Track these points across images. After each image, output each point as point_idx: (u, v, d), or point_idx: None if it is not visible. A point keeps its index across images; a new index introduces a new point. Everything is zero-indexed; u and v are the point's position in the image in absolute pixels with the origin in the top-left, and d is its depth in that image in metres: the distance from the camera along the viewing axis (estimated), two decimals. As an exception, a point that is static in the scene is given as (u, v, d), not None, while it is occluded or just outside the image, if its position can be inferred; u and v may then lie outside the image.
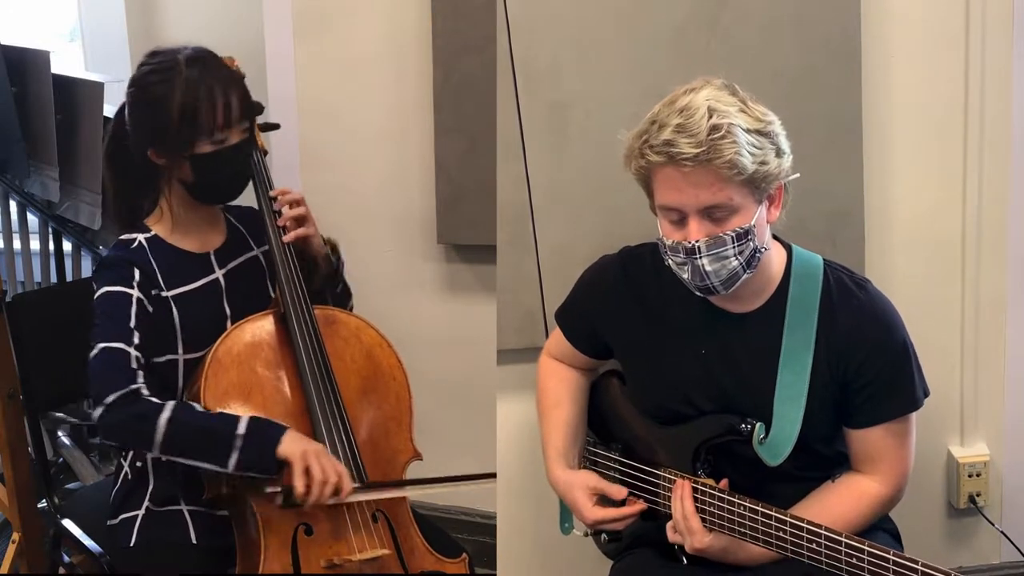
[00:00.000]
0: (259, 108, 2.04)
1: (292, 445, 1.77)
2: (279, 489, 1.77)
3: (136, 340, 1.86)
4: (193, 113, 1.88)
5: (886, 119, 2.24)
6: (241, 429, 1.77)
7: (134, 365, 1.84)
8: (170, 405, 1.80)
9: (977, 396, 2.38)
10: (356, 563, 1.81)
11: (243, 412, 1.84)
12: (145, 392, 1.83)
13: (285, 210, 1.99)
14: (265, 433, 1.79)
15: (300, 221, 2.00)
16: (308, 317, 1.94)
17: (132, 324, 1.87)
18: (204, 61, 1.92)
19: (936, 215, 2.30)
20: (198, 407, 1.82)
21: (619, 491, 1.90)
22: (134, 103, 1.95)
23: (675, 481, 1.80)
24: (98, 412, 1.82)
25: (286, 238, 1.98)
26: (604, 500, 1.91)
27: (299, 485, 1.75)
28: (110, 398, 1.80)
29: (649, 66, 2.14)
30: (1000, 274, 2.32)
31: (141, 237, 1.97)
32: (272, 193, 2.01)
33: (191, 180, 1.94)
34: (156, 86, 1.90)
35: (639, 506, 1.88)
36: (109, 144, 2.02)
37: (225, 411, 1.83)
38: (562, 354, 2.03)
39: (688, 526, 1.75)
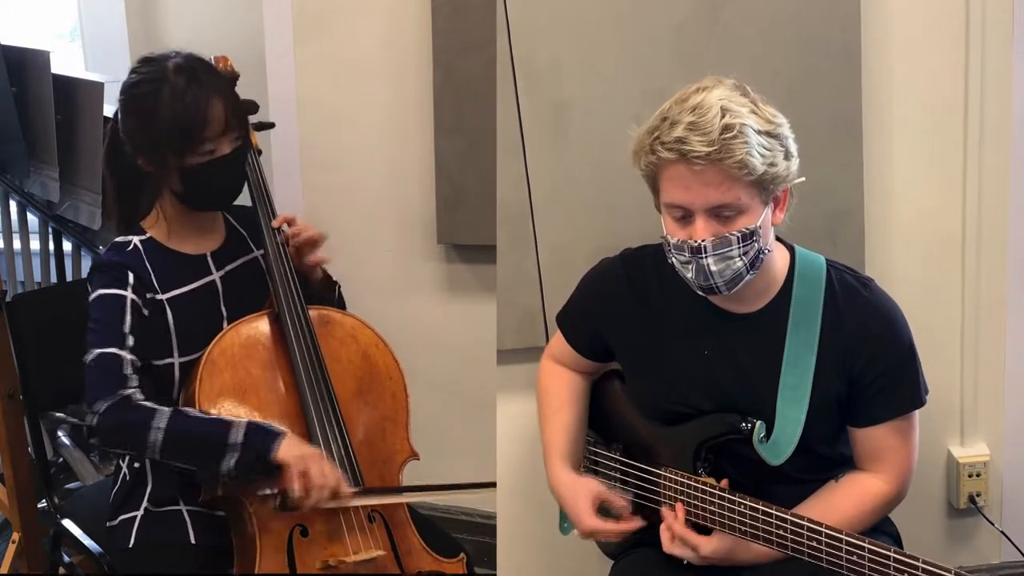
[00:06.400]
0: (253, 108, 2.03)
1: (289, 450, 1.77)
2: (275, 492, 1.77)
3: (131, 343, 1.86)
4: (181, 126, 1.86)
5: (886, 119, 2.24)
6: (238, 438, 1.77)
7: (127, 370, 1.84)
8: (166, 412, 1.80)
9: (977, 396, 2.38)
10: (351, 564, 1.81)
11: (238, 414, 1.84)
12: (138, 397, 1.83)
13: (288, 227, 1.99)
14: (262, 440, 1.78)
15: (314, 244, 2.00)
16: (303, 317, 1.94)
17: (126, 328, 1.87)
18: (193, 71, 1.89)
19: (936, 214, 2.30)
20: (194, 412, 1.82)
21: (621, 503, 1.90)
22: (124, 112, 1.94)
23: (675, 480, 1.80)
24: (93, 419, 1.82)
25: (311, 259, 1.99)
26: (602, 510, 1.91)
27: (297, 488, 1.74)
28: (102, 406, 1.81)
29: (649, 66, 2.14)
30: (1000, 274, 2.32)
31: (136, 239, 1.97)
32: (275, 223, 2.00)
33: (181, 191, 1.93)
34: (144, 97, 1.89)
35: (636, 523, 1.87)
36: (107, 147, 2.01)
37: (222, 415, 1.82)
38: (563, 357, 2.03)
39: (689, 542, 1.75)
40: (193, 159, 1.89)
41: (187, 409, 1.83)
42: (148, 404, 1.82)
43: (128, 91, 1.93)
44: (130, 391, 1.83)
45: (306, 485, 1.75)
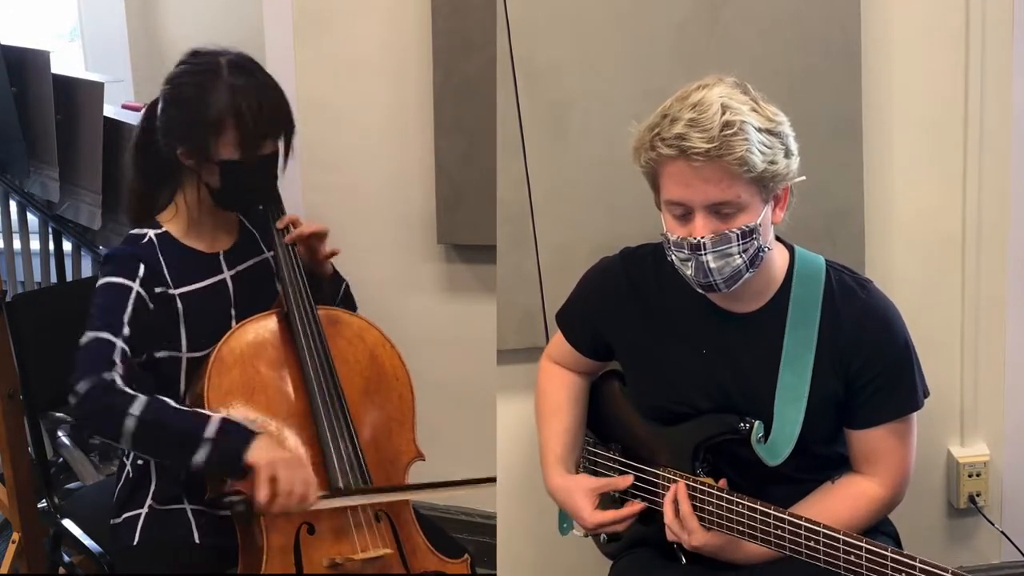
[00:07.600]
0: None
1: (260, 452, 1.74)
2: (238, 499, 1.74)
3: (126, 332, 1.85)
4: (233, 120, 1.86)
5: (886, 119, 2.25)
6: (210, 432, 1.74)
7: (116, 357, 1.82)
8: (142, 399, 1.77)
9: (977, 396, 2.38)
10: (358, 562, 1.81)
11: (246, 412, 1.84)
12: (119, 383, 1.80)
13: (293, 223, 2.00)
14: (234, 438, 1.75)
15: (322, 236, 2.01)
16: (311, 317, 1.94)
17: (125, 317, 1.86)
18: (248, 69, 1.90)
19: (936, 214, 2.30)
20: (172, 403, 1.80)
21: (624, 480, 1.90)
22: (170, 101, 1.92)
23: (674, 481, 1.80)
24: (72, 399, 1.80)
25: (288, 237, 1.98)
26: (603, 503, 1.92)
27: (261, 495, 1.72)
28: (82, 386, 1.78)
29: (649, 66, 2.14)
30: (1000, 274, 2.32)
31: (152, 233, 1.96)
32: (280, 224, 2.00)
33: (218, 186, 1.92)
34: (196, 88, 1.88)
35: (639, 506, 1.88)
36: (138, 137, 1.99)
37: (230, 413, 1.81)
38: (562, 357, 2.03)
39: (687, 525, 1.75)
40: (237, 155, 1.88)
41: (166, 399, 1.80)
42: (128, 391, 1.79)
43: (177, 80, 1.92)
44: (113, 376, 1.80)
45: (273, 491, 1.72)
